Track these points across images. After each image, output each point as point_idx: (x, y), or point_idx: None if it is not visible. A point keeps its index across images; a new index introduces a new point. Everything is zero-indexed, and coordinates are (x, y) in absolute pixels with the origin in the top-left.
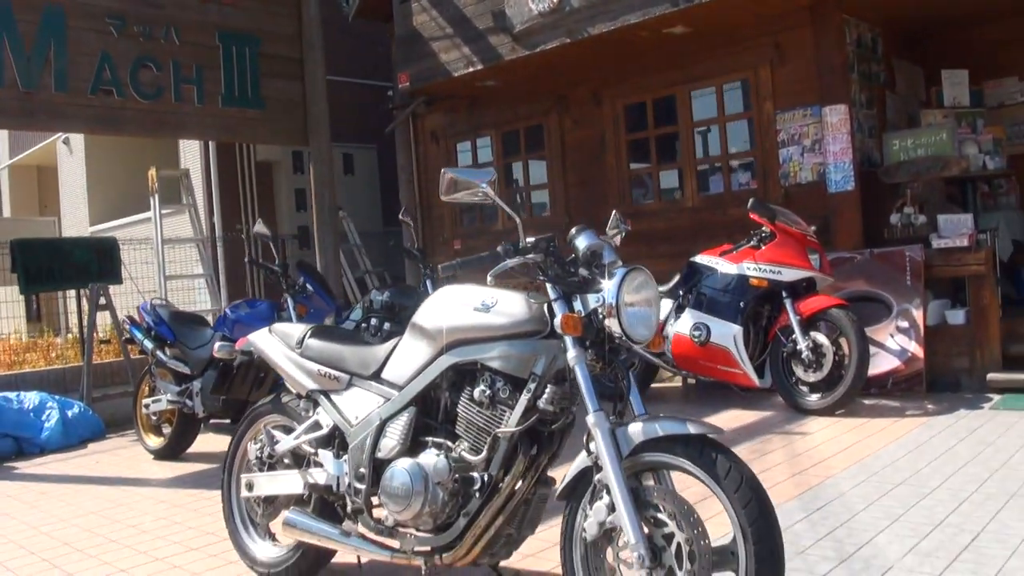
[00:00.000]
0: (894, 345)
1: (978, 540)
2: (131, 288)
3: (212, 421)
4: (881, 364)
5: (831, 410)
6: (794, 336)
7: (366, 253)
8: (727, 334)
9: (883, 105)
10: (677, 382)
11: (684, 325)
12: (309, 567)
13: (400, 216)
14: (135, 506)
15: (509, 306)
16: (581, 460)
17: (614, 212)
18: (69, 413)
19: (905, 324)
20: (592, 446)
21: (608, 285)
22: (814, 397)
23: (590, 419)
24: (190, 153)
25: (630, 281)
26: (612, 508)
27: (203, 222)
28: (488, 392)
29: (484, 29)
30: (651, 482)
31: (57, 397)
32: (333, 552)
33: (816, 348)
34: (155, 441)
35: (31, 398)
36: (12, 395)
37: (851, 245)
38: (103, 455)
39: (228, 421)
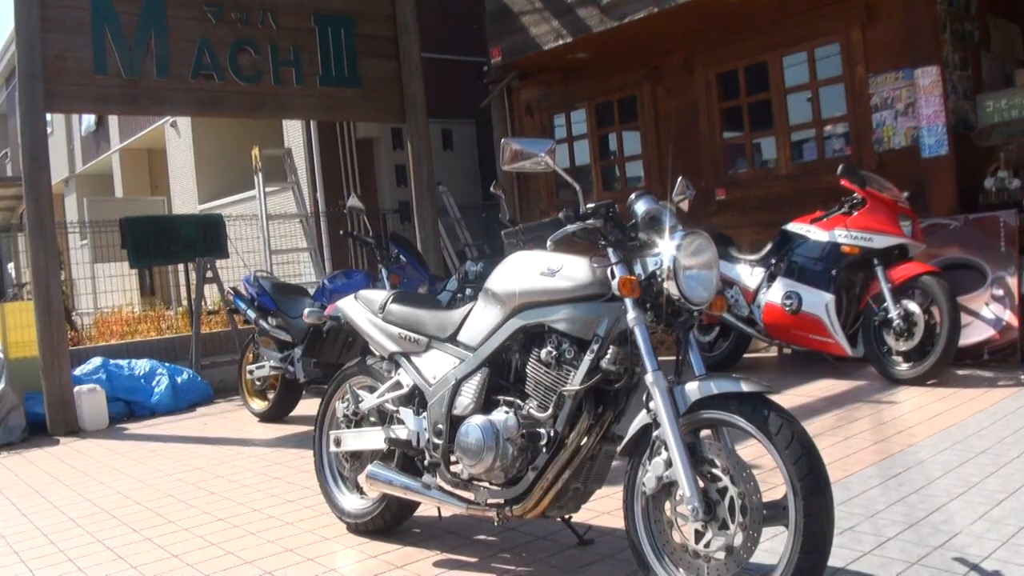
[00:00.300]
0: (988, 314)
1: None
2: (238, 262)
3: (313, 386)
4: (975, 333)
5: (922, 380)
6: (886, 304)
7: (465, 226)
8: (819, 302)
9: (978, 65)
10: (773, 352)
11: (776, 294)
12: (393, 518)
13: (492, 188)
14: (237, 463)
15: (573, 270)
16: (641, 418)
17: (680, 178)
18: (178, 379)
19: (1000, 292)
20: (651, 404)
21: (667, 249)
22: (905, 366)
23: (648, 378)
24: (293, 132)
25: (688, 244)
26: (669, 463)
27: (306, 198)
28: (554, 353)
29: (572, 2)
30: (709, 439)
31: (167, 364)
32: (415, 505)
33: (907, 316)
34: (259, 405)
35: (142, 365)
36: (124, 362)
37: (945, 211)
38: (210, 418)
39: (327, 386)
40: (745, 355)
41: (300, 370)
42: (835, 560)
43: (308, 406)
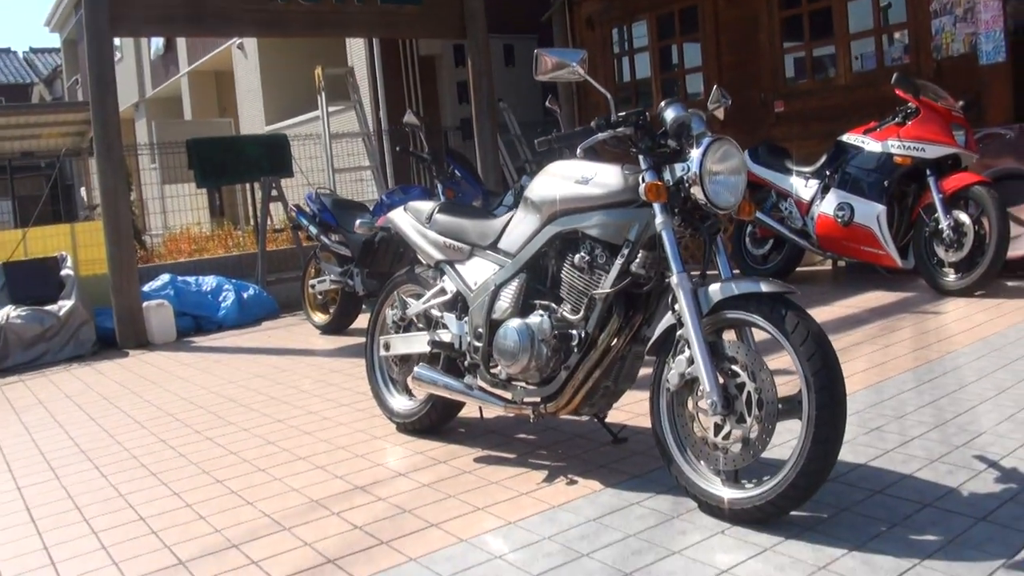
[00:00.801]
0: None
1: None
2: (302, 181)
3: (371, 299)
4: None
5: (970, 290)
6: (936, 215)
7: (526, 143)
8: (871, 213)
9: None
10: (827, 265)
11: (829, 205)
12: (440, 417)
13: (548, 103)
14: (297, 371)
15: (606, 178)
16: (667, 318)
17: (716, 86)
18: (244, 295)
19: None
20: (676, 306)
21: (694, 155)
22: (953, 277)
23: (674, 280)
24: (356, 52)
25: (714, 150)
26: (692, 361)
27: (369, 117)
28: (587, 258)
29: None
30: (733, 338)
31: (234, 281)
32: (459, 406)
33: (957, 227)
34: (321, 318)
35: (209, 281)
36: (192, 279)
37: (1002, 120)
38: (274, 331)
39: None
40: (799, 268)
41: (359, 283)
42: (856, 456)
43: (367, 319)
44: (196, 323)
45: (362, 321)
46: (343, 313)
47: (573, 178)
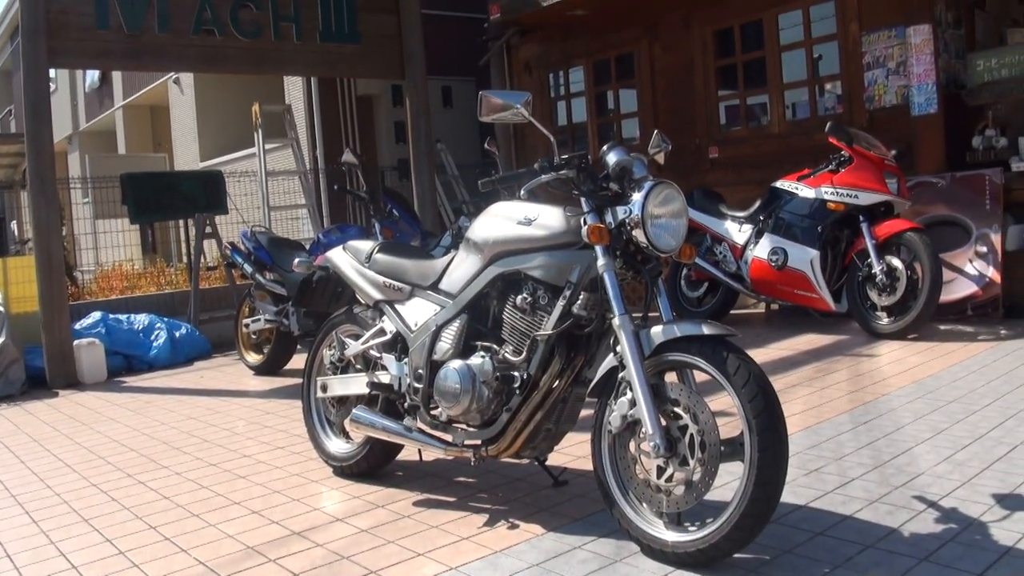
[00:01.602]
0: (972, 270)
1: (1015, 452)
2: (237, 219)
3: (307, 339)
4: (959, 289)
5: (903, 334)
6: (869, 260)
7: (463, 184)
8: (804, 258)
9: (972, 25)
10: (760, 308)
11: (763, 250)
12: (378, 460)
13: (486, 146)
14: (231, 413)
15: (548, 219)
16: (609, 360)
17: (656, 131)
18: (177, 334)
19: (984, 249)
20: (618, 348)
21: (636, 198)
22: (887, 321)
23: (616, 321)
24: (294, 89)
25: (656, 194)
26: (634, 403)
27: (306, 155)
28: (529, 299)
29: None
30: (674, 380)
31: (166, 319)
32: (398, 449)
33: (890, 272)
34: (254, 358)
35: (141, 320)
36: (123, 317)
37: (934, 169)
38: (207, 371)
39: None
40: (733, 311)
41: (295, 323)
42: (797, 498)
43: (302, 359)
44: (127, 362)
45: (297, 362)
46: (278, 353)
47: (515, 219)
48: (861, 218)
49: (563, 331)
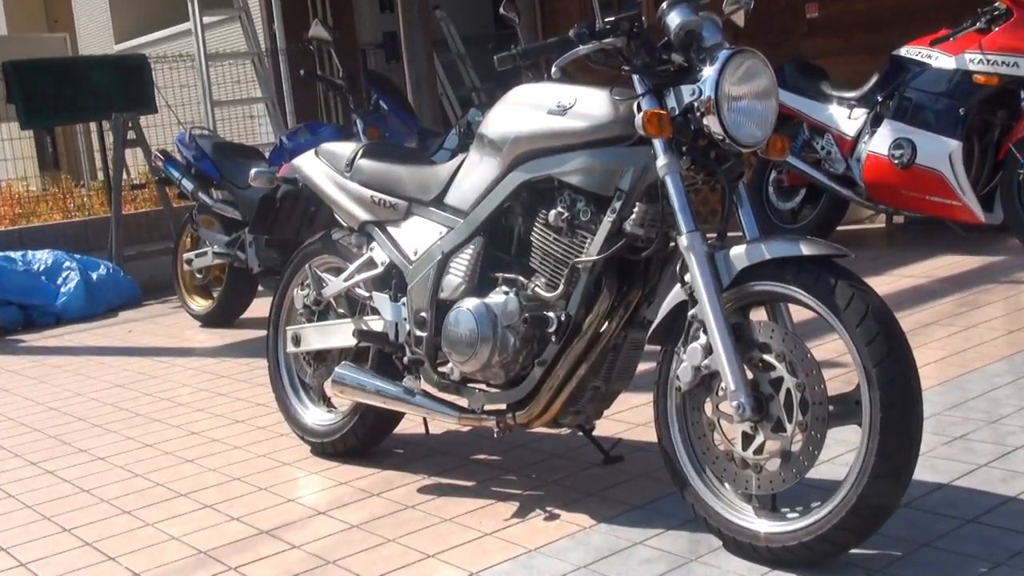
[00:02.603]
0: None
1: None
2: (170, 119)
3: (270, 277)
4: None
5: None
6: None
7: (472, 65)
8: (940, 152)
9: None
10: (880, 222)
11: (881, 142)
12: (368, 435)
13: (502, 10)
14: (172, 378)
15: (589, 106)
16: (675, 294)
17: None
18: (94, 275)
19: None
20: (687, 276)
21: (707, 73)
22: None
23: (683, 241)
24: None
25: (735, 67)
26: (709, 350)
27: (260, 32)
28: (566, 215)
29: None
30: (764, 318)
31: (78, 256)
32: (396, 418)
33: None
34: (201, 304)
35: (42, 258)
36: (17, 255)
37: None
38: (136, 323)
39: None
40: (841, 226)
41: (253, 257)
42: (937, 474)
43: (265, 304)
44: (25, 315)
45: (258, 308)
46: (231, 297)
47: (545, 107)
48: (1022, 95)
49: (613, 256)
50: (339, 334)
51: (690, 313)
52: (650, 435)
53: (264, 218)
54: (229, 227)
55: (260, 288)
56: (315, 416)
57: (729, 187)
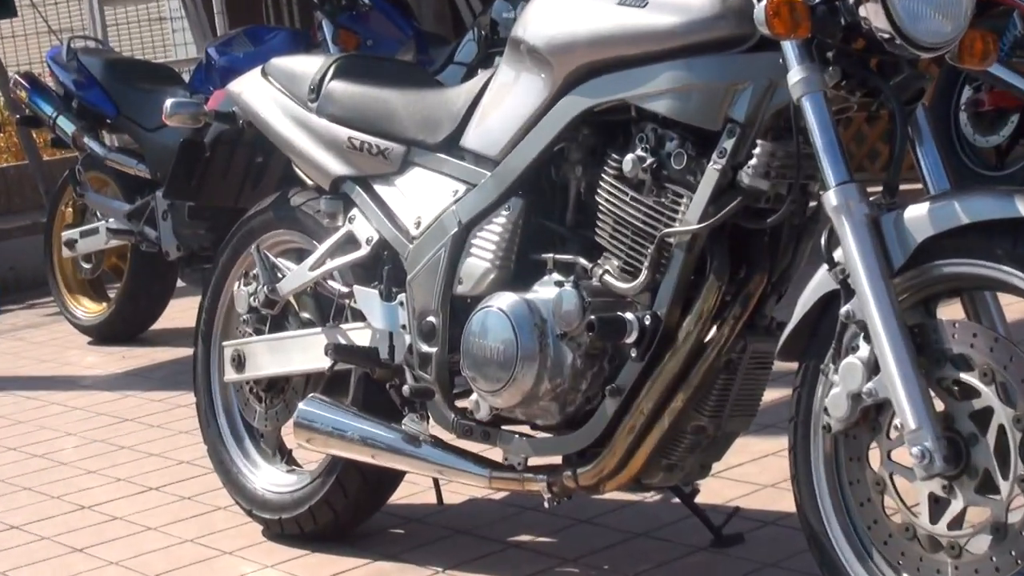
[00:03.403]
0: None
1: None
2: (37, 26)
3: (194, 268)
4: None
5: None
6: None
7: None
8: None
9: None
10: None
11: None
12: (350, 507)
13: None
14: (49, 423)
15: None
16: (819, 282)
17: None
18: None
19: None
20: (838, 253)
21: None
22: None
23: (831, 200)
24: None
25: None
26: (875, 367)
27: None
28: (649, 162)
29: None
30: (962, 318)
31: None
32: (393, 481)
33: None
34: (91, 310)
35: None
36: None
37: None
38: None
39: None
40: None
41: (169, 235)
42: None
43: (187, 308)
44: None
45: (179, 313)
46: (138, 298)
47: None
48: None
49: (723, 224)
50: (304, 352)
51: (843, 311)
52: (784, 501)
53: (186, 175)
54: (131, 190)
55: (180, 283)
56: (269, 478)
57: (900, 114)
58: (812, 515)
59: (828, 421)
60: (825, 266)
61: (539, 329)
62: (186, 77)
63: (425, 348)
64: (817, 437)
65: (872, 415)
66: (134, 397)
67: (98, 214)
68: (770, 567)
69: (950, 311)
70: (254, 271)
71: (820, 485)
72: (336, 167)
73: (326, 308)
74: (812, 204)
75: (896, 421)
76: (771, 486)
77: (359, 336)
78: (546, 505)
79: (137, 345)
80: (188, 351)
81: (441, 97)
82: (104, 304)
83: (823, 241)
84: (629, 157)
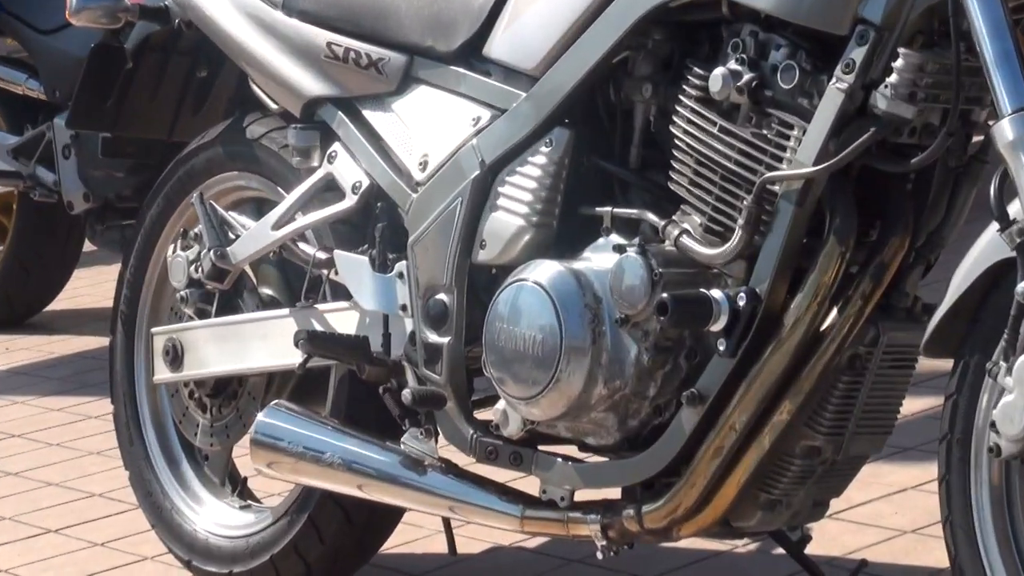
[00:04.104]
0: None
1: None
2: None
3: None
4: None
5: None
6: None
7: None
8: None
9: None
10: None
11: None
12: (329, 558)
13: None
14: None
15: None
16: (986, 246)
17: None
18: None
19: None
20: (1015, 207)
21: None
22: None
23: (1005, 132)
24: None
25: None
26: None
27: None
28: (748, 78)
29: None
30: None
31: None
32: (387, 520)
33: None
34: None
35: None
36: None
37: None
38: None
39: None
40: None
41: (73, 179)
42: None
43: (100, 280)
44: None
45: (88, 289)
46: (27, 264)
47: None
48: None
49: (849, 168)
50: (265, 342)
51: (1021, 287)
52: (931, 552)
53: (98, 95)
54: (18, 115)
55: (89, 246)
56: (216, 517)
57: None
58: (971, 571)
59: (997, 441)
60: (995, 225)
61: (591, 312)
62: None
63: (433, 337)
64: (980, 463)
65: None
66: (23, 405)
67: None
68: None
69: None
70: (195, 229)
71: (984, 530)
72: (310, 85)
73: (296, 282)
74: (976, 139)
75: None
76: (912, 532)
77: (342, 321)
78: (599, 556)
79: (27, 332)
80: (100, 341)
81: None
82: None
83: (993, 190)
84: (718, 72)
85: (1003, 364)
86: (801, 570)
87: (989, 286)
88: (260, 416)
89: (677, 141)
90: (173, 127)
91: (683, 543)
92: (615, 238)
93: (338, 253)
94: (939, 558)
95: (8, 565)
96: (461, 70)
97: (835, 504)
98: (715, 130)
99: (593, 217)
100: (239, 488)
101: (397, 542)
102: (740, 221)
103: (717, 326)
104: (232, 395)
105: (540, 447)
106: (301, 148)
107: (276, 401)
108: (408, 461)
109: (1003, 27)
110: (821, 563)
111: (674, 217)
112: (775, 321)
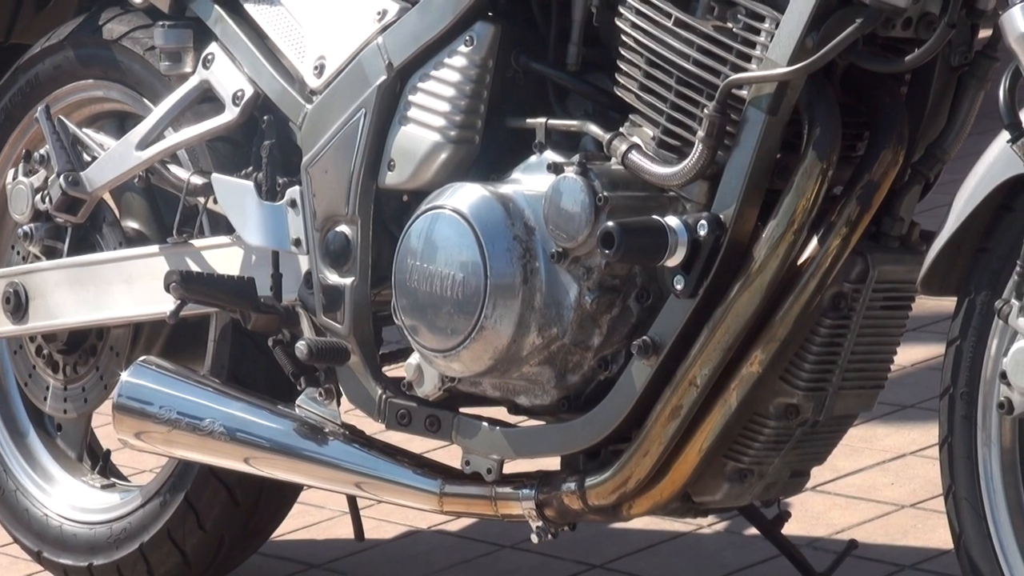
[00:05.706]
0: None
1: None
2: None
3: None
4: None
5: None
6: None
7: None
8: None
9: None
10: None
11: None
12: (210, 547)
13: None
14: None
15: None
16: (995, 160)
17: None
18: None
19: None
20: None
21: None
22: None
23: (1016, 21)
24: None
25: None
26: None
27: None
28: None
29: None
30: None
31: None
32: (281, 499)
33: None
34: None
35: None
36: None
37: None
38: None
39: None
40: None
41: None
42: None
43: None
44: None
45: None
46: None
47: None
48: None
49: (830, 68)
50: (129, 286)
51: None
52: (931, 530)
53: None
54: None
55: None
56: (72, 499)
57: None
58: (979, 551)
59: (1008, 395)
60: (1005, 135)
61: (522, 245)
62: None
63: (333, 278)
64: (989, 422)
65: None
66: None
67: None
68: None
69: None
70: (41, 150)
71: (994, 501)
72: None
73: (167, 213)
74: (983, 33)
75: None
76: (909, 506)
77: (222, 259)
78: (534, 539)
79: None
80: None
81: None
82: None
83: (1002, 93)
84: None
85: (1015, 303)
86: (777, 554)
87: (999, 208)
88: (124, 376)
89: (625, 37)
90: (11, 27)
91: (636, 523)
92: (550, 155)
93: (216, 177)
94: (943, 537)
95: None
96: None
97: (818, 474)
98: (670, 23)
99: (523, 131)
100: (100, 464)
101: (293, 526)
102: (700, 133)
103: (673, 260)
104: (90, 351)
105: (462, 410)
106: (170, 50)
107: (144, 357)
108: (304, 428)
109: None
110: (802, 545)
111: (621, 129)
112: (743, 254)
